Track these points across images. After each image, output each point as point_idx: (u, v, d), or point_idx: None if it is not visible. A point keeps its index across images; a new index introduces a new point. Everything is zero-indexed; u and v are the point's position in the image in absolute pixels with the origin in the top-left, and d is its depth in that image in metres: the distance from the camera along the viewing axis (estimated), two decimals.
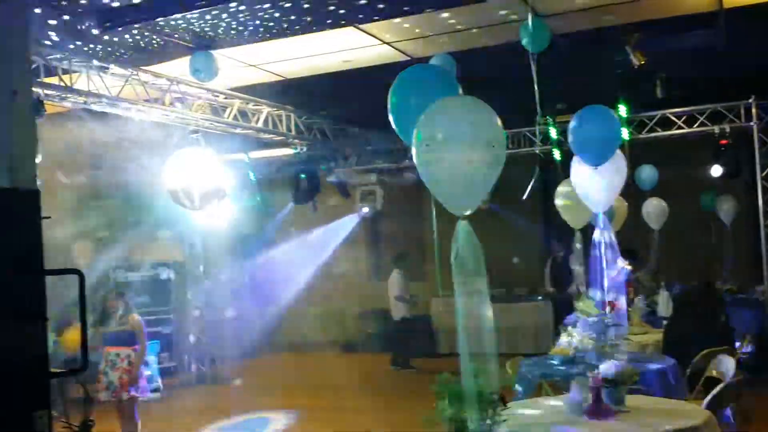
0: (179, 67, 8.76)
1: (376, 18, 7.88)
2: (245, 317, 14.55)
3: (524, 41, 7.66)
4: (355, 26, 8.11)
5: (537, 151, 11.74)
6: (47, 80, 8.00)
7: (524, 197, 11.18)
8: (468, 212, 4.26)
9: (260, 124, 10.58)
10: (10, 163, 2.33)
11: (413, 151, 4.27)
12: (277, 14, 7.49)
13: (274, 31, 8.00)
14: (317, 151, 12.06)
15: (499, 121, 4.21)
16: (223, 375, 13.39)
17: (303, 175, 12.47)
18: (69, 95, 8.08)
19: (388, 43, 8.84)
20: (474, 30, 8.50)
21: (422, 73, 5.14)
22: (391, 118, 4.83)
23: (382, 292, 14.34)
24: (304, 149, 11.88)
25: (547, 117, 10.73)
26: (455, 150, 4.10)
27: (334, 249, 14.73)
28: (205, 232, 12.85)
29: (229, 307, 14.59)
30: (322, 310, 15.22)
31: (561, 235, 10.82)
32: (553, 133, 11.03)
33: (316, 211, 13.18)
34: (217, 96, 9.87)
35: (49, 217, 2.39)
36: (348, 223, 14.87)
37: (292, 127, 11.18)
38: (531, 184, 11.05)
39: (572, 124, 6.61)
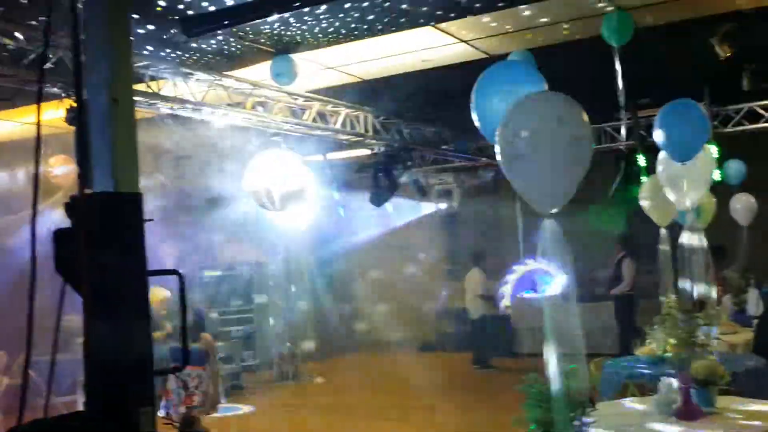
0: (261, 71, 8.93)
1: (453, 16, 7.86)
2: (325, 317, 14.73)
3: (606, 34, 7.50)
4: (432, 25, 8.10)
5: (621, 147, 11.48)
6: (135, 87, 8.26)
7: (610, 194, 10.94)
8: (554, 210, 4.21)
9: (338, 126, 10.69)
10: (113, 169, 2.42)
11: (497, 149, 4.24)
12: (356, 16, 7.55)
13: (354, 33, 8.06)
14: (394, 151, 12.09)
15: (585, 117, 4.15)
16: (304, 373, 13.58)
17: (380, 175, 12.52)
18: (156, 101, 8.34)
19: (465, 42, 8.79)
20: (552, 25, 8.38)
21: (506, 70, 5.09)
22: (474, 116, 4.81)
23: (459, 291, 14.31)
24: (382, 149, 11.93)
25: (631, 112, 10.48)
26: (541, 147, 4.06)
27: (411, 248, 14.74)
28: (285, 233, 13.06)
29: (308, 307, 14.79)
30: (400, 309, 15.26)
31: (643, 233, 10.54)
32: (638, 128, 10.77)
33: (393, 211, 13.21)
34: (297, 99, 10.02)
35: (152, 220, 2.47)
36: (425, 223, 14.87)
37: (370, 128, 11.26)
38: (617, 181, 10.81)
39: (658, 118, 6.45)
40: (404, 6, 7.36)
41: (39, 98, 2.46)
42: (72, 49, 2.32)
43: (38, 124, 2.43)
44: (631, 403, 5.37)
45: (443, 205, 14.20)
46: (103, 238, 2.36)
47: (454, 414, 9.83)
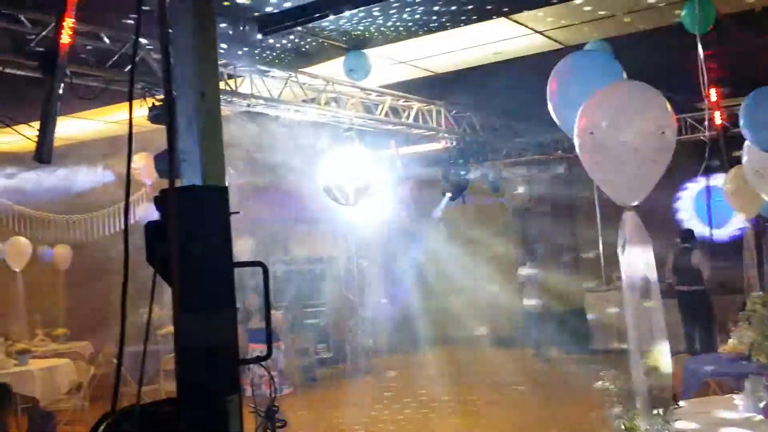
0: (334, 67, 9.01)
1: (528, 7, 7.77)
2: (398, 311, 14.78)
3: (687, 22, 7.27)
4: (506, 17, 8.02)
5: (704, 138, 11.12)
6: None
7: (696, 182, 10.64)
8: (635, 203, 4.12)
9: (411, 120, 10.70)
10: (201, 162, 2.48)
11: (576, 140, 4.18)
12: (429, 10, 7.54)
13: (426, 27, 8.06)
14: (467, 145, 12.03)
15: (668, 106, 4.04)
16: (377, 367, 13.67)
17: (453, 170, 12.49)
18: (234, 98, 8.51)
19: (539, 32, 8.67)
20: (629, 14, 8.18)
21: (583, 60, 4.99)
22: (550, 107, 4.74)
23: (532, 285, 14.17)
24: (454, 143, 11.89)
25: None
26: (622, 138, 3.97)
27: (484, 242, 14.64)
28: (358, 227, 13.16)
29: (382, 301, 14.87)
30: (473, 303, 15.19)
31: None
32: (720, 117, 10.40)
33: (465, 205, 13.16)
34: (370, 94, 10.08)
35: (238, 212, 2.53)
36: (498, 217, 14.76)
37: (442, 122, 11.23)
38: (700, 172, 10.50)
39: (743, 107, 6.23)
40: (476, 0, 7.32)
41: (130, 97, 2.54)
42: (161, 46, 2.38)
43: (130, 122, 2.51)
44: (715, 401, 5.22)
45: (516, 199, 14.06)
46: (192, 230, 2.43)
47: (529, 410, 9.74)
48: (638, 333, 4.21)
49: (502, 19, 8.04)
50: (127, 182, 2.41)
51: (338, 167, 10.12)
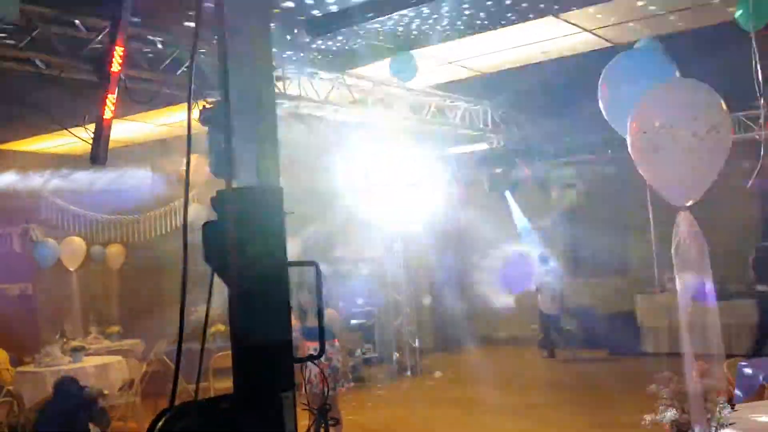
0: (381, 68, 9.04)
1: (576, 6, 7.70)
2: (445, 311, 14.76)
3: (742, 19, 7.11)
4: (554, 15, 7.96)
5: (759, 137, 10.85)
6: None
7: (748, 185, 10.37)
8: (690, 203, 4.05)
9: (458, 120, 10.68)
10: (257, 163, 2.53)
11: (628, 140, 4.13)
12: (476, 10, 7.52)
13: (474, 27, 8.04)
14: (514, 145, 11.96)
15: (723, 104, 3.97)
16: (424, 367, 13.66)
17: (499, 170, 12.43)
18: (282, 101, 8.60)
19: (588, 31, 8.58)
20: (681, 11, 8.04)
21: (636, 58, 4.93)
22: (601, 106, 4.70)
23: (579, 287, 14.04)
24: (501, 143, 11.82)
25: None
26: (675, 137, 3.91)
27: (532, 244, 14.52)
28: (405, 228, 13.17)
29: (428, 301, 14.85)
30: (519, 304, 15.09)
31: None
32: None
33: (513, 206, 13.08)
34: (416, 94, 10.08)
35: (293, 213, 2.58)
36: (546, 218, 14.62)
37: (489, 122, 11.18)
38: (756, 171, 10.23)
39: None
40: None
41: (189, 99, 2.60)
42: (219, 50, 2.44)
43: (189, 125, 2.57)
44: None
45: (565, 200, 13.91)
46: (247, 230, 2.48)
47: (578, 412, 9.63)
48: (692, 336, 4.14)
49: (550, 17, 7.98)
50: (186, 183, 2.47)
51: (384, 168, 10.16)
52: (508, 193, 13.38)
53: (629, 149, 4.17)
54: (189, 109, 2.60)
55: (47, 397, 7.76)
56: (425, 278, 15.21)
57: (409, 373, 13.42)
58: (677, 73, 4.52)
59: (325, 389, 4.19)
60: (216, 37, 2.57)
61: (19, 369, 9.96)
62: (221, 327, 10.56)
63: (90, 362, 9.94)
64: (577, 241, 15.24)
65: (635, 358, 13.03)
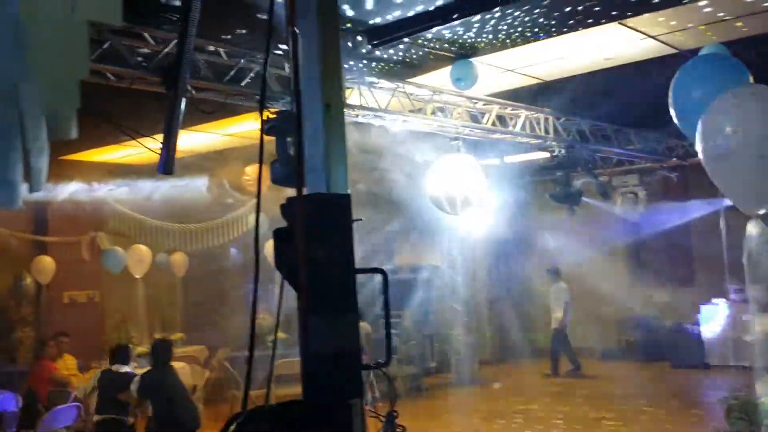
0: (441, 77, 9.04)
1: (641, 12, 7.57)
2: (504, 321, 14.62)
3: None
4: (618, 22, 7.83)
5: None
6: None
7: None
8: (762, 211, 3.94)
9: (518, 129, 10.59)
10: (326, 171, 2.56)
11: (699, 146, 4.04)
12: (538, 17, 7.46)
13: (535, 34, 7.97)
14: (576, 153, 11.79)
15: None
16: (483, 377, 13.55)
17: (561, 178, 12.27)
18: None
19: (653, 37, 8.42)
20: (746, 17, 7.82)
21: (707, 64, 4.82)
22: (672, 112, 4.60)
23: (643, 298, 13.75)
24: (563, 152, 11.67)
25: None
26: (749, 143, 3.81)
27: (593, 252, 14.29)
28: (464, 236, 13.12)
29: (487, 311, 14.75)
30: (581, 315, 14.84)
31: None
32: None
33: (574, 215, 12.89)
34: (476, 103, 10.04)
35: (360, 219, 2.59)
36: (608, 226, 14.38)
37: (550, 130, 11.05)
38: None
39: None
40: (589, 4, 7.18)
41: (261, 108, 2.64)
42: (293, 61, 2.47)
43: (261, 136, 2.61)
44: None
45: (628, 208, 13.65)
46: (317, 236, 2.50)
47: (647, 427, 9.41)
48: (765, 347, 4.01)
49: (614, 23, 7.86)
50: (258, 192, 2.49)
51: (444, 177, 10.13)
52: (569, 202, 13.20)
53: (699, 156, 4.07)
54: (261, 119, 2.64)
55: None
56: (485, 288, 15.11)
57: (469, 383, 13.33)
58: (751, 79, 4.39)
59: (391, 397, 4.19)
60: (273, 47, 2.61)
61: (87, 374, 10.23)
62: (281, 335, 10.67)
63: None
64: (641, 249, 14.94)
65: (700, 371, 12.71)
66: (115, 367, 8.25)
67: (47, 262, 12.81)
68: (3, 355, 12.22)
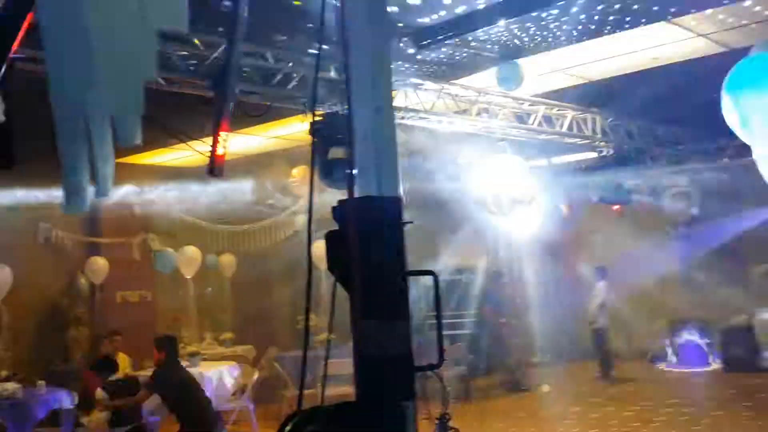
0: (486, 78, 9.02)
1: (691, 10, 7.46)
2: (552, 323, 14.49)
3: None
4: (666, 20, 7.72)
5: None
6: None
7: None
8: None
9: (565, 129, 10.49)
10: (377, 173, 2.58)
11: (754, 147, 3.96)
12: (585, 17, 7.40)
13: (582, 34, 7.91)
14: (624, 154, 11.65)
15: None
16: (531, 379, 13.44)
17: (609, 179, 12.13)
18: None
19: (703, 35, 8.29)
20: None
21: (761, 62, 4.72)
22: (724, 112, 4.52)
23: (694, 301, 13.52)
24: (611, 152, 11.54)
25: None
26: None
27: (643, 254, 14.07)
28: (509, 238, 13.04)
29: (535, 314, 14.63)
30: (630, 318, 14.64)
31: None
32: None
33: (623, 215, 12.74)
34: (522, 103, 9.98)
35: (412, 222, 2.61)
36: (659, 227, 14.16)
37: (598, 130, 10.93)
38: None
39: None
40: (638, 4, 7.10)
41: (313, 111, 2.68)
42: (345, 65, 2.51)
43: (312, 136, 2.65)
44: None
45: (678, 208, 13.42)
46: (368, 239, 2.52)
47: (685, 428, 9.25)
48: None
49: (662, 22, 7.75)
50: (310, 194, 2.53)
51: (490, 178, 10.10)
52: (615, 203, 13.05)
53: (753, 156, 4.00)
54: (312, 121, 2.68)
55: None
56: (532, 289, 14.99)
57: (516, 385, 13.23)
58: None
59: (444, 399, 4.19)
60: (318, 49, 2.62)
61: (140, 373, 10.44)
62: (332, 335, 10.75)
63: (206, 367, 10.30)
64: (692, 251, 14.66)
65: (753, 374, 12.43)
66: (109, 380, 8.51)
67: (101, 263, 13.11)
68: (59, 354, 12.55)
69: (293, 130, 10.53)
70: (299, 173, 11.18)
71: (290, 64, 7.65)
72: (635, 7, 7.17)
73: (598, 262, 14.36)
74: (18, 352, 11.86)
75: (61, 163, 1.70)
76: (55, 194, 11.13)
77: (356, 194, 2.66)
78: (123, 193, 11.99)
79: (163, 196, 12.54)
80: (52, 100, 1.67)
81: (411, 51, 8.09)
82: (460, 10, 7.13)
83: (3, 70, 2.79)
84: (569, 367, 14.53)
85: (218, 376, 10.14)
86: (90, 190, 1.74)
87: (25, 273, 11.90)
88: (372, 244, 2.51)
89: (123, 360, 10.54)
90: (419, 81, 8.82)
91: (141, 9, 1.63)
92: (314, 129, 7.36)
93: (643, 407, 10.91)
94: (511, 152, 10.38)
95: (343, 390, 6.80)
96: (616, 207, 12.91)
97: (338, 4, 2.47)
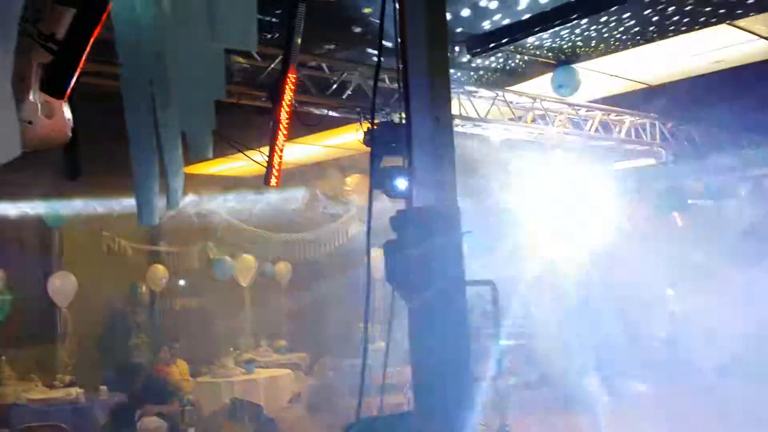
0: (541, 84, 8.93)
1: (754, 12, 7.26)
2: (607, 335, 14.20)
3: None
4: (727, 23, 7.54)
5: None
6: None
7: None
8: None
9: (623, 135, 10.32)
10: (436, 183, 2.58)
11: None
12: (642, 20, 7.27)
13: (640, 38, 7.77)
14: (685, 159, 11.39)
15: None
16: (593, 394, 13.15)
17: (669, 185, 11.87)
18: None
19: (765, 38, 8.06)
20: None
21: None
22: None
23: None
24: (671, 158, 11.30)
25: None
26: None
27: (705, 261, 13.68)
28: (567, 245, 12.85)
29: (592, 324, 14.36)
30: (694, 327, 14.24)
31: None
32: None
33: (684, 221, 12.44)
34: (578, 109, 9.86)
35: (470, 232, 2.60)
36: (722, 234, 13.76)
37: (657, 136, 10.72)
38: None
39: None
40: (698, 6, 6.95)
41: (372, 121, 2.69)
42: (402, 76, 2.51)
43: (372, 147, 2.66)
44: None
45: (741, 215, 13.04)
46: (428, 249, 2.52)
47: None
48: None
49: (723, 25, 7.57)
50: (369, 203, 2.54)
51: (546, 186, 10.00)
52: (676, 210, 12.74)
53: None
54: (368, 130, 2.69)
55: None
56: (589, 297, 14.73)
57: (576, 400, 12.97)
58: None
59: (502, 410, 4.18)
60: (378, 58, 2.63)
61: (198, 379, 10.61)
62: (381, 344, 10.77)
63: (261, 374, 10.42)
64: (760, 258, 14.19)
65: None
66: None
67: (161, 271, 13.40)
68: (120, 360, 12.85)
69: (346, 139, 10.61)
70: (352, 181, 11.25)
71: (345, 74, 7.71)
72: (695, 9, 7.01)
73: (660, 269, 14.01)
74: (81, 358, 12.18)
75: (134, 178, 1.76)
76: (117, 204, 11.46)
77: (414, 204, 2.65)
78: (183, 202, 12.22)
79: (220, 205, 12.74)
80: (126, 117, 1.72)
81: (464, 59, 8.06)
82: (515, 16, 7.08)
83: (72, 84, 2.88)
84: (630, 381, 14.18)
85: (273, 383, 10.23)
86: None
87: (89, 281, 12.22)
88: (431, 254, 2.51)
89: (182, 366, 10.73)
90: (473, 89, 8.78)
91: (213, 31, 1.67)
92: (370, 138, 7.44)
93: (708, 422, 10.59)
94: (567, 159, 10.25)
95: (396, 399, 6.79)
96: (675, 214, 12.60)
97: (397, 15, 2.47)
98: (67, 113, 3.05)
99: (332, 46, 7.47)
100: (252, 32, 1.85)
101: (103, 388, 9.67)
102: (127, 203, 11.77)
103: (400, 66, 2.57)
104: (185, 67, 1.60)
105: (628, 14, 7.12)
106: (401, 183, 2.72)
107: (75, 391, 9.68)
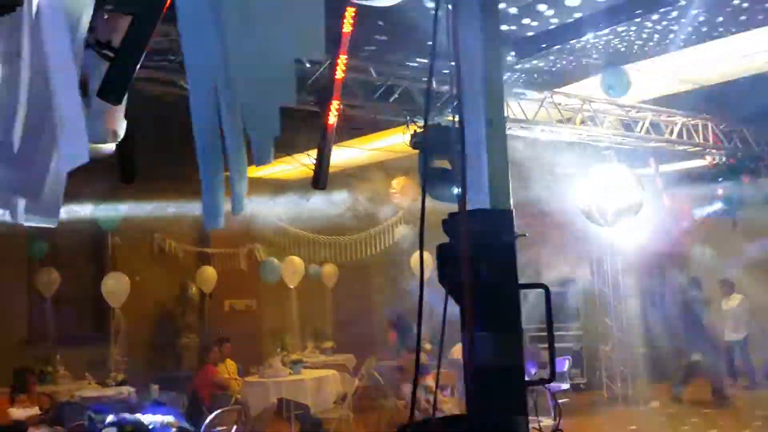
0: (590, 85, 8.82)
1: None
2: (658, 336, 13.96)
3: None
4: None
5: None
6: None
7: None
8: None
9: (674, 136, 10.13)
10: (489, 186, 2.57)
11: None
12: (695, 21, 7.13)
13: (692, 37, 7.62)
14: (739, 162, 11.13)
15: None
16: (638, 395, 12.96)
17: (722, 188, 11.62)
18: None
19: None
20: None
21: None
22: None
23: None
24: (724, 159, 11.05)
25: None
26: None
27: (757, 265, 13.34)
28: (615, 249, 12.69)
29: (640, 326, 14.14)
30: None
31: None
32: None
33: (736, 226, 12.16)
34: (628, 110, 9.71)
35: (525, 235, 2.58)
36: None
37: (710, 137, 10.49)
38: None
39: None
40: (750, 5, 6.79)
41: (425, 125, 2.70)
42: (455, 78, 2.52)
43: (424, 151, 2.67)
44: None
45: None
46: (480, 252, 2.52)
47: None
48: None
49: None
50: (422, 205, 2.54)
51: (596, 188, 9.87)
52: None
53: None
54: (417, 132, 2.69)
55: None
56: (637, 302, 14.50)
57: (621, 401, 12.80)
58: None
59: (556, 415, 4.12)
60: (431, 61, 2.63)
61: (246, 379, 10.73)
62: (427, 346, 10.78)
63: (307, 375, 10.48)
64: None
65: None
66: None
67: (210, 272, 13.60)
68: (170, 360, 13.09)
69: (392, 141, 10.62)
70: (399, 184, 11.26)
71: (392, 78, 7.72)
72: (748, 8, 6.85)
73: (710, 274, 13.73)
74: (133, 358, 12.43)
75: (201, 183, 1.80)
76: (170, 207, 11.67)
77: (467, 207, 2.64)
78: (230, 205, 12.38)
79: (269, 208, 12.88)
80: (193, 123, 1.76)
81: (512, 60, 8.00)
82: (561, 20, 7.00)
83: (127, 89, 2.95)
84: (674, 383, 13.91)
85: (319, 384, 10.29)
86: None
87: (141, 282, 12.48)
88: (484, 257, 2.51)
89: (231, 366, 10.87)
90: (521, 90, 8.71)
91: (283, 39, 1.70)
92: (419, 140, 7.44)
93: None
94: (617, 161, 10.11)
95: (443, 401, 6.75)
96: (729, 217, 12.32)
97: (450, 18, 2.48)
98: (122, 118, 3.13)
99: (371, 48, 7.48)
100: (320, 40, 1.88)
101: (155, 387, 9.85)
102: (178, 206, 12.02)
103: (453, 68, 2.56)
104: (253, 73, 1.63)
105: (680, 14, 6.99)
106: (452, 186, 2.72)
107: (126, 390, 9.89)
